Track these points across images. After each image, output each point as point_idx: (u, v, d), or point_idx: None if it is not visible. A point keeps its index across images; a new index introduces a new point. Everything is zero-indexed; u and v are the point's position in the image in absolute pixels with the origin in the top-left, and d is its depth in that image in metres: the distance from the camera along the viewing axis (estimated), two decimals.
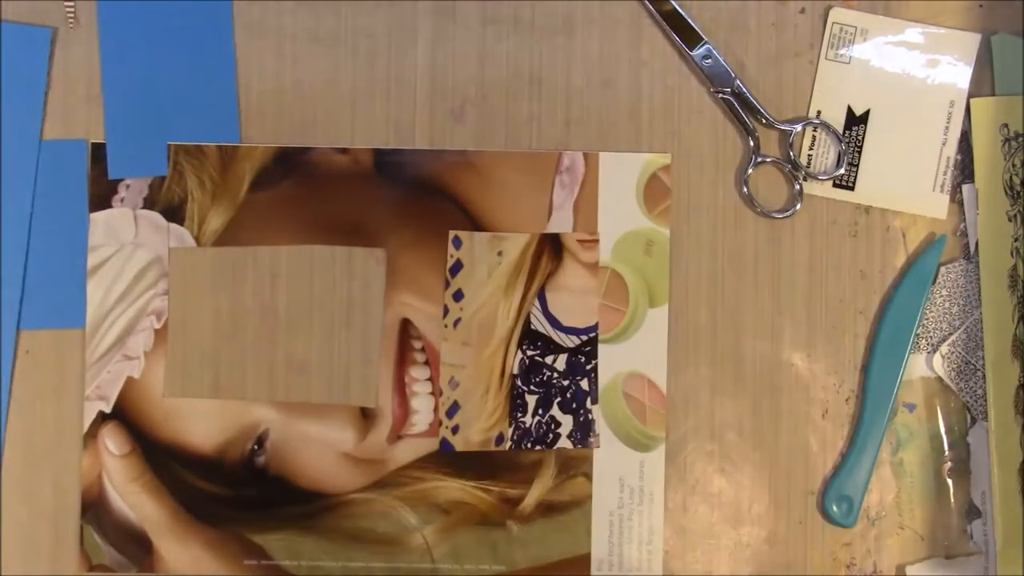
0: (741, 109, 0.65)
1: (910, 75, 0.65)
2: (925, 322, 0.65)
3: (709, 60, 0.65)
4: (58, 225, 0.64)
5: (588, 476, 0.64)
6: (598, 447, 0.65)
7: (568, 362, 0.65)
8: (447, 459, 0.64)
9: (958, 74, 0.65)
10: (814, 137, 0.65)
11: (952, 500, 0.65)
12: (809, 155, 0.65)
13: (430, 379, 0.64)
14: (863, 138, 0.65)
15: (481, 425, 0.65)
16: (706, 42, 0.65)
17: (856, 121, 0.65)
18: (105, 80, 0.64)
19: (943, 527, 0.65)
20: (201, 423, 0.64)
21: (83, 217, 0.64)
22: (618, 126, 0.65)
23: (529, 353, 0.64)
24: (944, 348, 0.65)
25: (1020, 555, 0.64)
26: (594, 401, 0.64)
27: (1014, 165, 0.65)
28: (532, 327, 0.64)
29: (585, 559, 0.64)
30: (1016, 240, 0.64)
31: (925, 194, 0.65)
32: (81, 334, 0.64)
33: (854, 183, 0.65)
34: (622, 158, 0.65)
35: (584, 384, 0.65)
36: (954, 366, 0.65)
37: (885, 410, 0.64)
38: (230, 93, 0.64)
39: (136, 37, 0.64)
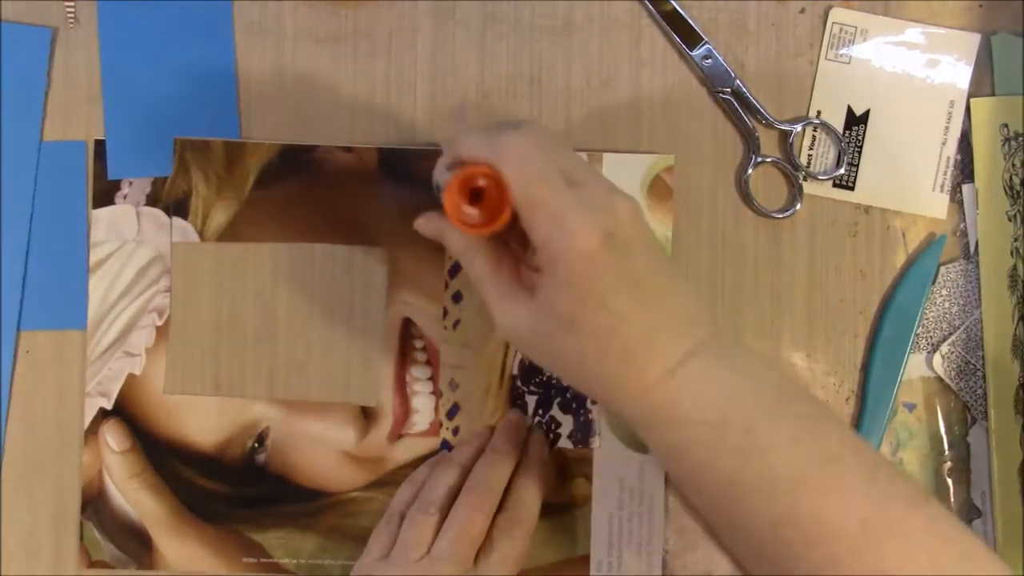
0: (741, 109, 0.65)
1: (910, 75, 0.65)
2: (925, 322, 0.65)
3: (709, 60, 0.65)
4: (58, 227, 0.64)
5: (588, 477, 0.64)
6: (598, 447, 0.64)
7: None
8: None
9: (958, 74, 0.65)
10: (814, 137, 0.65)
11: (952, 500, 0.65)
12: (809, 155, 0.65)
13: (431, 378, 0.64)
14: (863, 138, 0.65)
15: (481, 426, 0.64)
16: (706, 42, 0.65)
17: (856, 121, 0.65)
18: (105, 80, 0.64)
19: None
20: (202, 420, 0.64)
21: (83, 219, 0.64)
22: (618, 126, 0.65)
23: None
24: (944, 348, 0.65)
25: (1020, 555, 0.63)
26: (594, 401, 0.64)
27: (1014, 165, 0.65)
28: None
29: (585, 560, 0.64)
30: (1016, 240, 0.64)
31: (925, 194, 0.65)
32: (81, 334, 0.64)
33: (854, 183, 0.65)
34: (626, 159, 0.65)
35: None
36: (954, 366, 0.65)
37: (885, 410, 0.64)
38: (231, 94, 0.64)
39: (136, 37, 0.64)
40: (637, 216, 0.50)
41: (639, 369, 0.49)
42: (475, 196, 0.50)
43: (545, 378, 0.64)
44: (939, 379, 0.65)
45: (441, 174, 0.52)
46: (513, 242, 0.54)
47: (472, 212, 0.50)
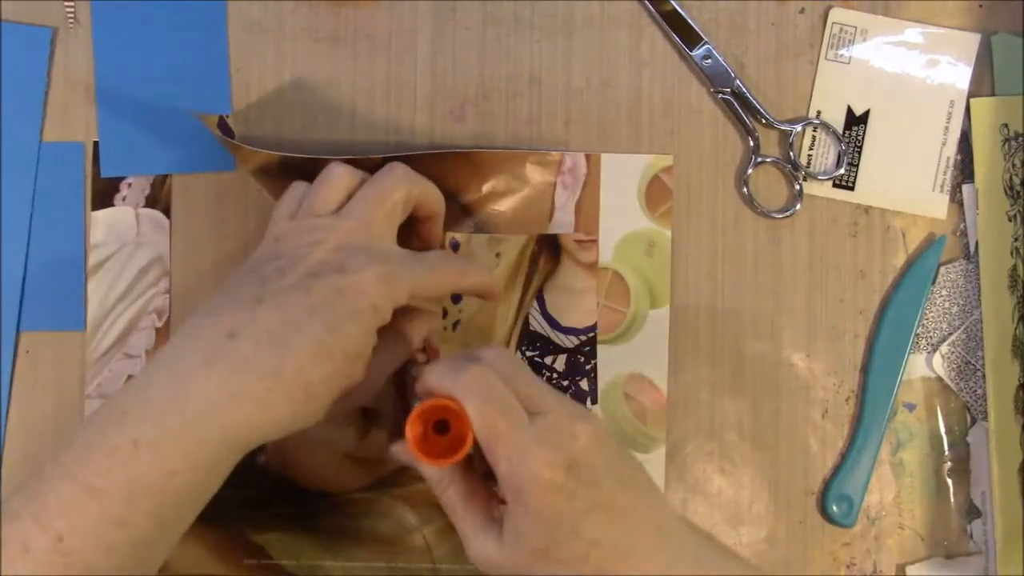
0: (741, 109, 0.65)
1: (910, 75, 0.65)
2: (925, 322, 0.65)
3: (709, 60, 0.65)
4: (57, 228, 0.64)
5: None
6: None
7: (568, 362, 0.65)
8: None
9: (958, 74, 0.65)
10: (814, 137, 0.65)
11: (952, 500, 0.65)
12: (809, 155, 0.65)
13: None
14: (863, 138, 0.65)
15: None
16: (706, 42, 0.65)
17: (856, 121, 0.65)
18: (99, 79, 0.64)
19: (943, 527, 0.65)
20: None
21: (81, 220, 0.64)
22: (618, 126, 0.65)
23: (528, 354, 0.64)
24: (944, 348, 0.65)
25: (1020, 555, 0.64)
26: (594, 401, 0.64)
27: (1014, 165, 0.65)
28: (531, 328, 0.64)
29: None
30: (1016, 240, 0.64)
31: (925, 194, 0.65)
32: (81, 335, 0.64)
33: (854, 183, 0.65)
34: (624, 159, 0.65)
35: (584, 384, 0.64)
36: (954, 366, 0.65)
37: (885, 410, 0.64)
38: (224, 93, 0.64)
39: (130, 36, 0.64)
40: (599, 439, 0.50)
41: None
42: (441, 427, 0.51)
43: (545, 378, 0.64)
44: (939, 379, 0.65)
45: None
46: (484, 472, 0.53)
47: (434, 443, 0.51)
